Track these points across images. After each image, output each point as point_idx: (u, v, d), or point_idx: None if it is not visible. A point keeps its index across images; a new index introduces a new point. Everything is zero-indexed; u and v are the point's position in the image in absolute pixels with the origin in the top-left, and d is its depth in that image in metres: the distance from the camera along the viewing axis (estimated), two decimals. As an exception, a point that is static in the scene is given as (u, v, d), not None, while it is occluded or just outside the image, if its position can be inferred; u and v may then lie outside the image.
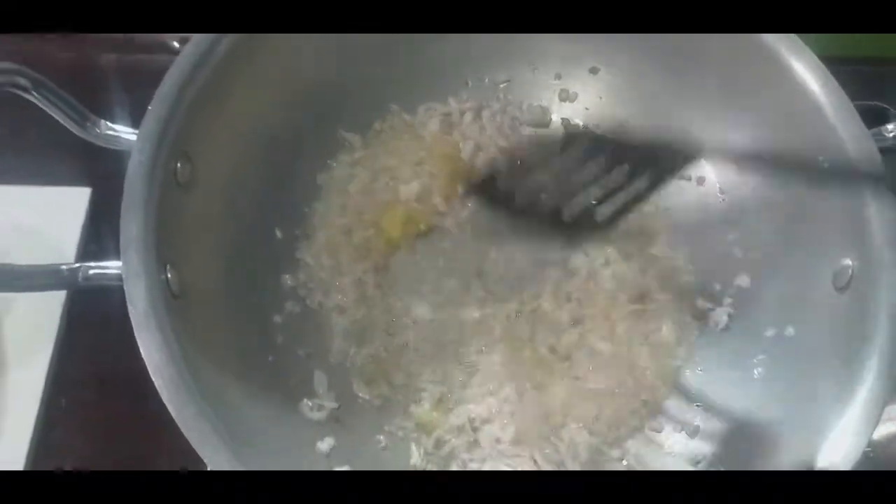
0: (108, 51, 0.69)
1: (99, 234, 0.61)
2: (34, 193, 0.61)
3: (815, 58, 0.48)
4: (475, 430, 0.49)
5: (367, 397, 0.50)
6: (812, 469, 0.39)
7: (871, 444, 0.44)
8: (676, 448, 0.49)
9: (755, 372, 0.49)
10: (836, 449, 0.39)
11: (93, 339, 0.57)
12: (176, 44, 0.69)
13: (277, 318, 0.50)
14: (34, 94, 0.39)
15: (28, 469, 0.51)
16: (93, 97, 0.54)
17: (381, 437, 0.49)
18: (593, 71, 0.58)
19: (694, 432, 0.49)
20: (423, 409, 0.49)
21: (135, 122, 0.43)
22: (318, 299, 0.52)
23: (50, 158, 0.62)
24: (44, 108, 0.40)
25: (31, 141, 0.63)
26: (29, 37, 0.67)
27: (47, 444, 0.53)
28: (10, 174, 0.61)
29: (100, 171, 0.62)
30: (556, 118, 0.59)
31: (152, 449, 0.53)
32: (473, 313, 0.53)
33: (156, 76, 0.44)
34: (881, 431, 0.56)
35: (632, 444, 0.49)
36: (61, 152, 0.61)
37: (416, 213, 0.54)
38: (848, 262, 0.45)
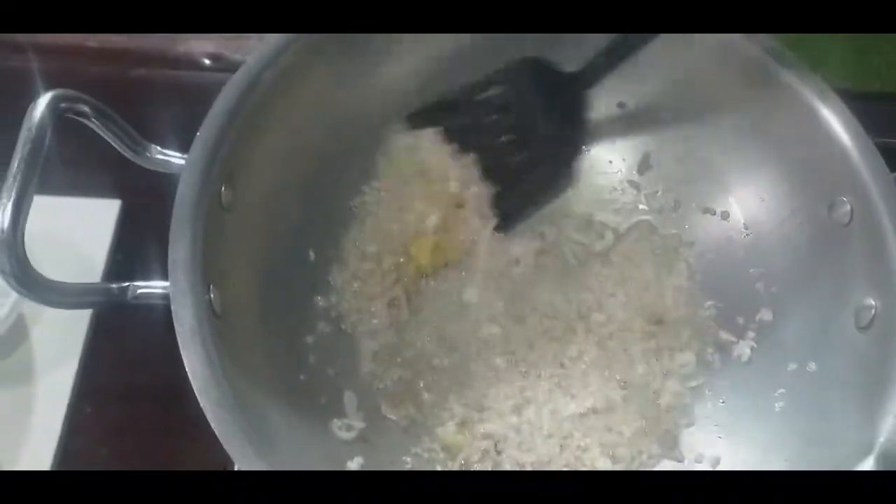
0: (138, 66, 0.71)
1: (128, 245, 0.62)
2: (65, 204, 0.62)
3: (839, 100, 0.49)
4: (499, 452, 0.50)
5: (394, 418, 0.51)
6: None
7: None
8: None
9: (776, 406, 0.49)
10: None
11: (118, 349, 0.58)
12: (206, 60, 0.70)
13: (309, 339, 0.51)
14: (94, 121, 0.40)
15: (53, 476, 0.52)
16: (127, 114, 0.55)
17: (408, 459, 0.49)
18: (621, 105, 0.59)
19: (714, 463, 0.50)
20: (449, 432, 0.50)
21: (177, 142, 0.45)
22: (349, 321, 0.53)
23: (79, 170, 0.63)
24: (101, 134, 0.41)
25: (60, 152, 0.63)
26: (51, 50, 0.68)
27: (72, 451, 0.54)
28: (41, 184, 0.61)
29: (130, 183, 0.63)
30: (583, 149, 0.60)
31: (175, 458, 0.54)
32: (494, 331, 0.54)
33: (187, 92, 0.45)
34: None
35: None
36: (91, 164, 0.62)
37: (444, 243, 0.55)
38: (871, 301, 0.46)
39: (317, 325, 0.52)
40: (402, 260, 0.54)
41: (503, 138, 0.55)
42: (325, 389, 0.50)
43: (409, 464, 0.49)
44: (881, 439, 0.41)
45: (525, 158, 0.55)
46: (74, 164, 0.63)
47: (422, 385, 0.52)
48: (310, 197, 0.53)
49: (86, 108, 0.39)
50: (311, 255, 0.53)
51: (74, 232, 0.62)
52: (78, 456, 0.54)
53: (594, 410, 0.51)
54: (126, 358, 0.58)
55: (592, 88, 0.54)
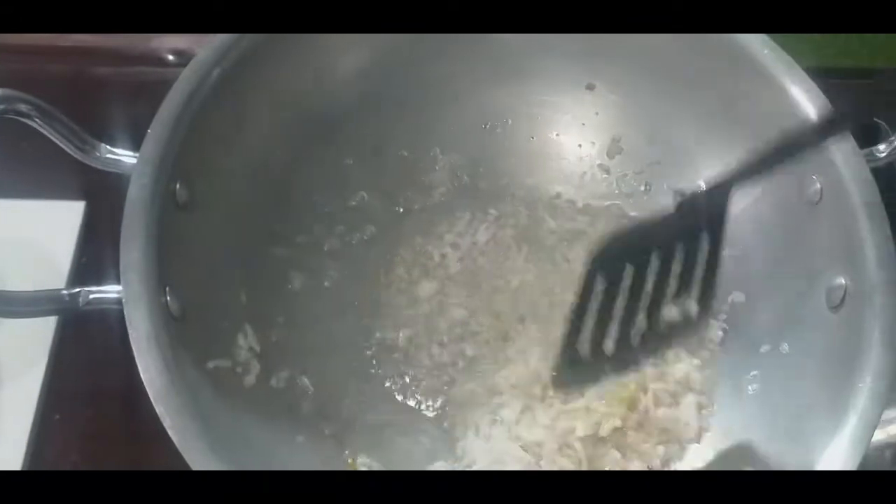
0: (101, 63, 0.69)
1: (93, 247, 0.60)
2: (28, 207, 0.61)
3: (808, 78, 0.49)
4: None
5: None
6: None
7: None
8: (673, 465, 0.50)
9: (749, 388, 0.49)
10: (831, 464, 0.40)
11: (86, 355, 0.57)
12: (170, 56, 0.69)
13: (274, 339, 0.50)
14: (37, 120, 0.39)
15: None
16: (87, 112, 0.54)
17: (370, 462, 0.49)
18: (589, 87, 0.58)
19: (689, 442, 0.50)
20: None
21: (133, 139, 0.43)
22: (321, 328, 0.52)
23: (43, 172, 0.62)
24: (47, 134, 0.40)
25: (25, 154, 0.62)
26: (18, 50, 0.67)
27: (41, 458, 0.53)
28: (2, 187, 0.60)
29: (94, 184, 0.62)
30: (553, 135, 0.60)
31: (146, 464, 0.53)
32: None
33: (151, 89, 0.44)
34: (873, 440, 0.57)
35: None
36: (55, 166, 0.60)
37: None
38: (841, 280, 0.45)
39: (278, 322, 0.51)
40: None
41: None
42: (291, 393, 0.49)
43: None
44: (853, 417, 0.40)
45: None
46: (37, 165, 0.62)
47: (393, 385, 0.52)
48: (272, 194, 0.52)
49: (26, 108, 0.38)
50: (275, 253, 0.52)
51: (38, 235, 0.60)
52: (48, 463, 0.53)
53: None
54: (95, 362, 0.57)
55: None
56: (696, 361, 0.52)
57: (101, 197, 0.62)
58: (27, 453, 0.52)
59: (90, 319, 0.56)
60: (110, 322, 0.42)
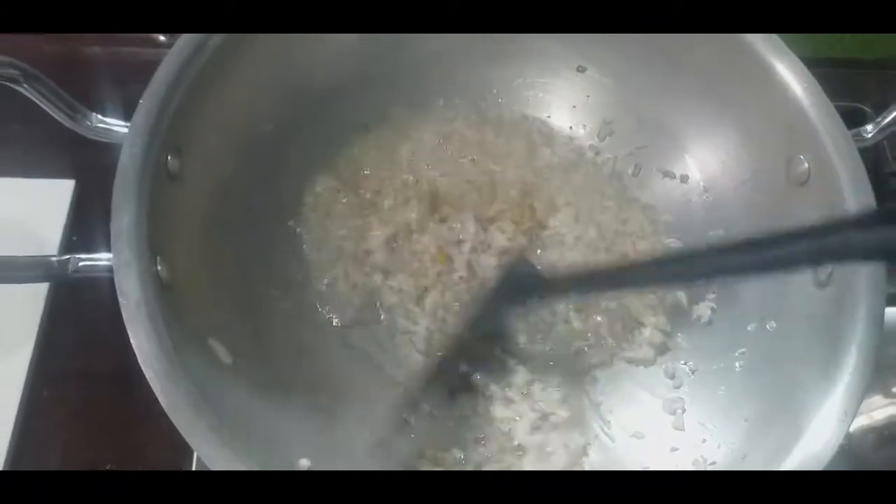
0: (93, 43, 0.69)
1: (83, 225, 0.60)
2: (18, 185, 0.61)
3: (798, 60, 0.49)
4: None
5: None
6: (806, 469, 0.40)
7: (846, 435, 0.45)
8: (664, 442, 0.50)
9: (737, 365, 0.50)
10: (816, 440, 0.40)
11: (76, 331, 0.57)
12: (162, 37, 0.69)
13: (266, 308, 0.50)
14: (25, 86, 0.39)
15: (9, 462, 0.51)
16: (81, 90, 0.54)
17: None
18: (580, 70, 0.59)
19: (678, 425, 0.50)
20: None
21: (125, 115, 0.43)
22: (307, 291, 0.52)
23: (34, 150, 0.62)
24: (35, 100, 0.40)
25: (15, 133, 0.62)
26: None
27: (29, 435, 0.53)
28: (-7, 166, 0.60)
29: (84, 163, 0.61)
30: (543, 116, 0.60)
31: (136, 440, 0.53)
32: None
33: (143, 69, 0.44)
34: (856, 424, 0.58)
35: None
36: (45, 144, 0.61)
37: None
38: (828, 258, 0.46)
39: (275, 294, 0.51)
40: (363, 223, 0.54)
41: None
42: (283, 360, 0.49)
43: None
44: (840, 390, 0.41)
45: None
46: (27, 144, 0.62)
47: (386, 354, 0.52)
48: (265, 165, 0.52)
49: (15, 73, 0.38)
50: (267, 225, 0.52)
51: (28, 213, 0.60)
52: (36, 440, 0.53)
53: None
54: (84, 339, 0.57)
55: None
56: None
57: (91, 176, 0.62)
58: (14, 431, 0.52)
59: (80, 295, 0.56)
60: (101, 299, 0.42)
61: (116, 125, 0.42)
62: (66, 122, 0.41)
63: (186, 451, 0.52)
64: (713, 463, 0.46)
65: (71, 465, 0.53)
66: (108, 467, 0.53)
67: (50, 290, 0.58)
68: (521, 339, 0.52)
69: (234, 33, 0.46)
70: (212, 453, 0.36)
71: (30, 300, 0.57)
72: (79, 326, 0.57)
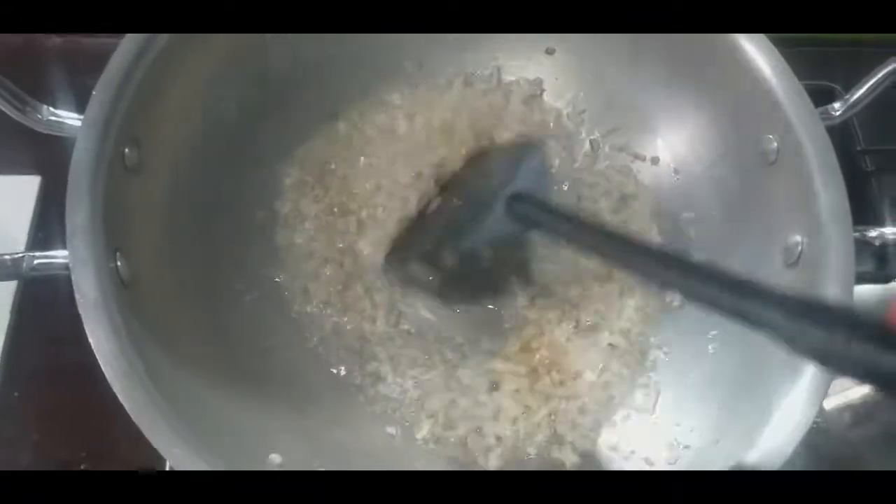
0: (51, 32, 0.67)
1: (49, 222, 0.59)
2: (-19, 182, 0.60)
3: (765, 38, 0.48)
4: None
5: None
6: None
7: (822, 414, 0.45)
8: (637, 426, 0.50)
9: (710, 348, 0.50)
10: (787, 419, 0.40)
11: (45, 331, 0.56)
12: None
13: (230, 305, 0.50)
14: (-29, 80, 0.37)
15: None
16: (36, 82, 0.52)
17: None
18: (549, 52, 0.58)
19: (650, 411, 0.50)
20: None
21: (80, 108, 0.42)
22: (274, 285, 0.52)
23: (-3, 147, 0.61)
24: (-18, 94, 0.39)
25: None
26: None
27: (1, 436, 0.53)
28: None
29: (50, 158, 0.60)
30: (513, 99, 0.59)
31: (108, 439, 0.53)
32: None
33: (101, 59, 0.43)
34: (832, 403, 0.58)
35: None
36: (9, 140, 0.59)
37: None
38: (797, 238, 0.45)
39: (240, 288, 0.51)
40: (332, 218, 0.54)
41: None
42: (249, 355, 0.48)
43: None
44: (809, 372, 0.41)
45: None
46: (-11, 141, 0.61)
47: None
48: (228, 157, 0.51)
49: (-45, 67, 0.37)
50: (233, 217, 0.52)
51: (-8, 210, 0.59)
52: (7, 442, 0.53)
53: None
54: (53, 338, 0.55)
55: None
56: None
57: (57, 171, 0.60)
58: (-14, 432, 0.52)
59: (47, 294, 0.55)
60: (67, 296, 0.41)
61: (69, 118, 0.41)
62: (15, 116, 0.40)
63: (155, 450, 0.51)
64: (687, 447, 0.46)
65: (43, 465, 0.52)
66: (82, 467, 0.53)
67: (17, 290, 0.57)
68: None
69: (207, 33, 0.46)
70: (177, 453, 0.36)
71: (-3, 300, 0.56)
72: (46, 324, 0.56)
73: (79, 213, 0.38)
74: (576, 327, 0.52)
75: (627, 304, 0.53)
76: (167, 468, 0.50)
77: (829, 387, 0.41)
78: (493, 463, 0.48)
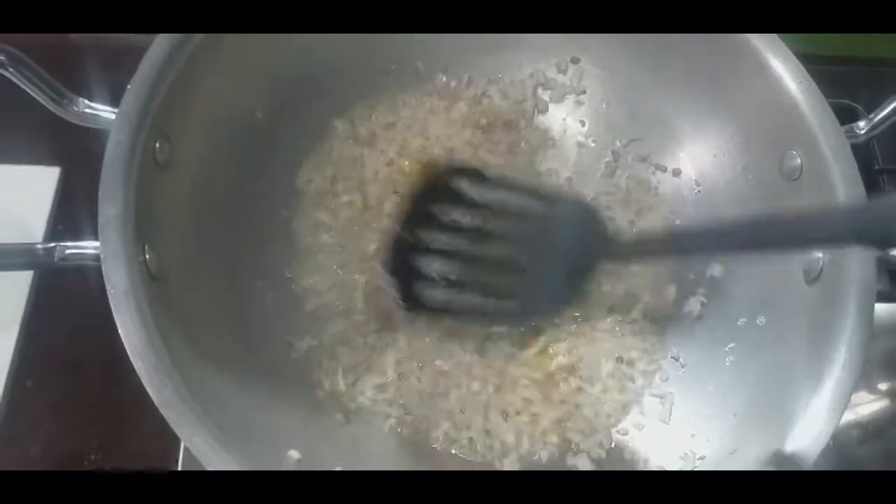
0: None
1: (68, 213, 0.60)
2: (2, 172, 0.60)
3: (792, 55, 0.49)
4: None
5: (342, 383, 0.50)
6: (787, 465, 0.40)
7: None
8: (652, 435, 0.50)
9: (727, 360, 0.50)
10: (805, 434, 0.40)
11: (59, 320, 0.56)
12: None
13: (256, 300, 0.50)
14: (11, 70, 0.38)
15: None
16: (69, 75, 0.52)
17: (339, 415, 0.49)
18: (574, 61, 0.58)
19: (665, 418, 0.50)
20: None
21: (113, 101, 0.42)
22: (297, 281, 0.52)
23: (18, 137, 0.61)
24: (21, 85, 0.39)
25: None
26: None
27: (13, 427, 0.53)
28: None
29: (69, 150, 0.61)
30: (532, 105, 0.59)
31: (119, 432, 0.53)
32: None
33: (132, 54, 0.43)
34: (841, 420, 0.58)
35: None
36: (30, 131, 0.60)
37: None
38: (818, 255, 0.46)
39: (262, 286, 0.51)
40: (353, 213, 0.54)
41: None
42: (270, 351, 0.49)
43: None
44: (828, 388, 0.41)
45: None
46: (11, 131, 0.61)
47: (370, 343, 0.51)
48: (255, 153, 0.51)
49: (1, 57, 0.37)
50: (257, 214, 0.52)
51: (13, 201, 0.60)
52: (20, 432, 0.53)
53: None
54: (68, 329, 0.56)
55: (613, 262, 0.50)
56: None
57: (76, 163, 0.61)
58: (-2, 423, 0.51)
59: (64, 284, 0.56)
60: (85, 288, 0.41)
61: (104, 111, 0.42)
62: (53, 108, 0.40)
63: (171, 441, 0.52)
64: (702, 457, 0.46)
65: (54, 457, 0.53)
66: (91, 458, 0.53)
67: (34, 278, 0.57)
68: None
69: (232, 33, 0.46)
70: (202, 444, 0.36)
71: (14, 288, 0.56)
72: (62, 316, 0.56)
73: (111, 204, 0.38)
74: (592, 335, 0.53)
75: (641, 313, 0.53)
76: (179, 462, 0.51)
77: (849, 399, 0.41)
78: (507, 467, 0.49)
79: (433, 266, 0.47)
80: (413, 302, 0.47)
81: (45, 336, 0.56)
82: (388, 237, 0.48)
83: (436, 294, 0.47)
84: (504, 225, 0.47)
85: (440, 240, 0.47)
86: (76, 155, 0.60)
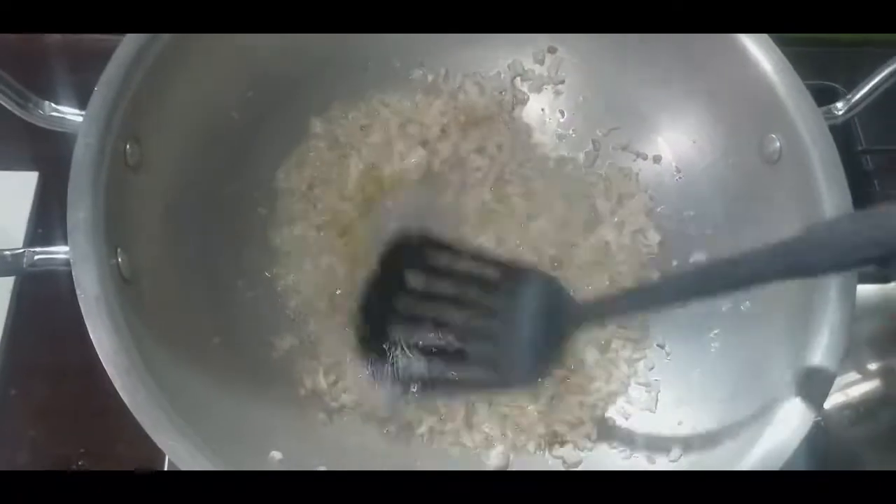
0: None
1: (47, 218, 0.59)
2: (-21, 179, 0.59)
3: (769, 38, 0.48)
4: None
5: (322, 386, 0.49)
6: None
7: (822, 413, 0.45)
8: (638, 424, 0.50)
9: (712, 347, 0.50)
10: (790, 419, 0.40)
11: (43, 328, 0.56)
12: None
13: (230, 302, 0.50)
14: (-29, 76, 0.37)
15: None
16: (36, 78, 0.52)
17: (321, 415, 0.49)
18: (551, 50, 0.58)
19: (650, 406, 0.50)
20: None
21: (81, 104, 0.42)
22: (273, 282, 0.52)
23: (-6, 143, 0.60)
24: (-17, 89, 0.38)
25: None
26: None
27: (-1, 434, 0.52)
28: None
29: (48, 155, 0.60)
30: (510, 97, 0.59)
31: (106, 437, 0.53)
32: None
33: (102, 56, 0.42)
34: (832, 402, 0.58)
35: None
36: (7, 137, 0.59)
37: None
38: (800, 238, 0.45)
39: (242, 285, 0.50)
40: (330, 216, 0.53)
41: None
42: (250, 353, 0.48)
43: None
44: (811, 371, 0.41)
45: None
46: (-14, 137, 0.60)
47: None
48: (229, 154, 0.51)
49: (-41, 63, 0.37)
50: (233, 214, 0.51)
51: (-10, 207, 0.59)
52: (4, 439, 0.52)
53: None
54: (51, 335, 0.56)
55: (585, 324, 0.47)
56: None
57: (55, 167, 0.60)
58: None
59: (45, 291, 0.55)
60: (66, 294, 0.41)
61: (71, 114, 0.41)
62: (17, 111, 0.40)
63: (155, 446, 0.51)
64: (689, 445, 0.46)
65: (40, 463, 0.52)
66: (80, 464, 0.53)
67: (15, 286, 0.57)
68: None
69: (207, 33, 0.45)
70: (178, 449, 0.36)
71: (-6, 296, 0.56)
72: (44, 323, 0.56)
73: (80, 208, 0.38)
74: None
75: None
76: (165, 466, 0.51)
77: (834, 380, 0.41)
78: (493, 461, 0.48)
79: (409, 336, 0.45)
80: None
81: (28, 344, 0.55)
82: (357, 303, 0.47)
83: (413, 368, 0.45)
84: (478, 293, 0.46)
85: (414, 307, 0.45)
86: (54, 159, 0.59)
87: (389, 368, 0.44)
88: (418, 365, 0.44)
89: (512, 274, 0.46)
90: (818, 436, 0.46)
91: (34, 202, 0.60)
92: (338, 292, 0.52)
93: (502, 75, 0.59)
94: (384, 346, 0.44)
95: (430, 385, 0.44)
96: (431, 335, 0.45)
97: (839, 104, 0.48)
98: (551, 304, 0.45)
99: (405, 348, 0.44)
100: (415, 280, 0.45)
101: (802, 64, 0.48)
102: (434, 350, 0.44)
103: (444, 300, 0.45)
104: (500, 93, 0.59)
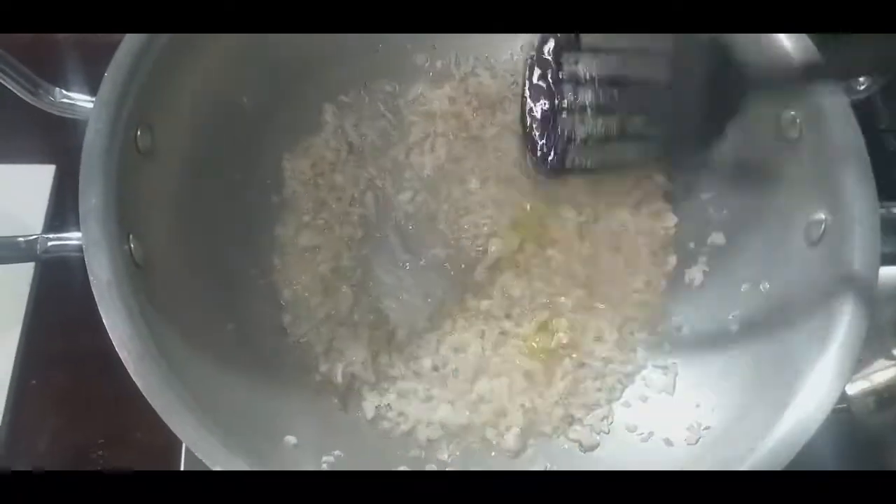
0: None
1: (64, 210, 0.60)
2: (-3, 172, 0.60)
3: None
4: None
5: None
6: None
7: (846, 399, 0.44)
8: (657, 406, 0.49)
9: (731, 328, 0.49)
10: (810, 400, 0.39)
11: (62, 317, 0.56)
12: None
13: (241, 287, 0.50)
14: (-16, 62, 0.37)
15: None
16: (47, 65, 0.52)
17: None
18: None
19: (669, 389, 0.50)
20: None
21: (91, 91, 0.42)
22: (283, 269, 0.52)
23: (12, 136, 0.61)
24: (-5, 77, 0.39)
25: (-7, 119, 0.61)
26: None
27: (18, 423, 0.53)
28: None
29: (63, 147, 0.60)
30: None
31: (124, 425, 0.53)
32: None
33: (114, 45, 0.42)
34: (856, 388, 0.57)
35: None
36: (24, 130, 0.60)
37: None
38: (821, 216, 0.44)
39: (255, 273, 0.50)
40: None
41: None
42: (266, 338, 0.49)
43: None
44: (834, 347, 0.40)
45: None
46: (4, 131, 0.61)
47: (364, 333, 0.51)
48: (240, 140, 0.51)
49: (-29, 48, 0.37)
50: (245, 201, 0.51)
51: (9, 199, 0.59)
52: (25, 428, 0.53)
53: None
54: (71, 324, 0.56)
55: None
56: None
57: (71, 159, 0.60)
58: (3, 420, 0.52)
59: (63, 279, 0.55)
60: (84, 281, 0.41)
61: (82, 100, 0.41)
62: (28, 98, 0.40)
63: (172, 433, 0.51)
64: (707, 427, 0.46)
65: (60, 452, 0.53)
66: (99, 452, 0.53)
67: (34, 275, 0.57)
68: None
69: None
70: (192, 434, 0.36)
71: (16, 282, 0.56)
72: (63, 311, 0.56)
73: (92, 194, 0.38)
74: (590, 307, 0.52)
75: (639, 281, 0.53)
76: (182, 454, 0.51)
77: (856, 360, 0.40)
78: (510, 443, 0.48)
79: (574, 122, 0.45)
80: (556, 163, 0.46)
81: (48, 333, 0.56)
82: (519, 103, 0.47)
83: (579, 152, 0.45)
84: (636, 68, 0.45)
85: (571, 95, 0.45)
86: (70, 151, 0.59)
87: (553, 127, 0.44)
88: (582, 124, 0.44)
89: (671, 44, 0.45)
90: (842, 422, 0.45)
91: (51, 194, 0.60)
92: (350, 281, 0.52)
93: (515, 58, 0.58)
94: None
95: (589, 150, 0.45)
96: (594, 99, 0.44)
97: (861, 79, 0.47)
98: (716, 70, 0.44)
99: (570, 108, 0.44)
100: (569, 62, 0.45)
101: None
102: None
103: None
104: (512, 76, 0.58)
